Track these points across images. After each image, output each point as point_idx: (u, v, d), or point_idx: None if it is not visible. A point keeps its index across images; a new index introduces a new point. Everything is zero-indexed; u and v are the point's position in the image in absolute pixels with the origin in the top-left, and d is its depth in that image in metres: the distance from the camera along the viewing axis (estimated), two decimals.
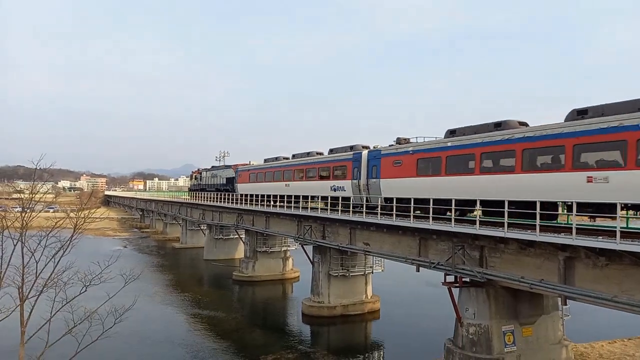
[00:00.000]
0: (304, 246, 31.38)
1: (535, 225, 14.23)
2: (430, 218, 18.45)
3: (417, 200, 19.90)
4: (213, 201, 48.78)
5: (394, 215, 20.68)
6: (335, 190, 28.52)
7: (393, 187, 23.10)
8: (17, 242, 13.14)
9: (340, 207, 25.47)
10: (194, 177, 68.36)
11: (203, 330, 27.37)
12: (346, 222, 25.53)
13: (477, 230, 16.31)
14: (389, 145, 24.66)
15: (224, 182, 52.47)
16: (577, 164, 14.50)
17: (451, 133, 20.48)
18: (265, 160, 42.23)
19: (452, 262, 18.07)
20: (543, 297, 18.18)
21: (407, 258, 21.00)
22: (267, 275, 41.83)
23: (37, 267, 13.03)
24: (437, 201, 18.70)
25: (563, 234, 13.96)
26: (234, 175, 48.65)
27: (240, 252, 50.08)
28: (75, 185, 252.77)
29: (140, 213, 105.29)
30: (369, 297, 31.28)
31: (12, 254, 13.01)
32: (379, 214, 21.90)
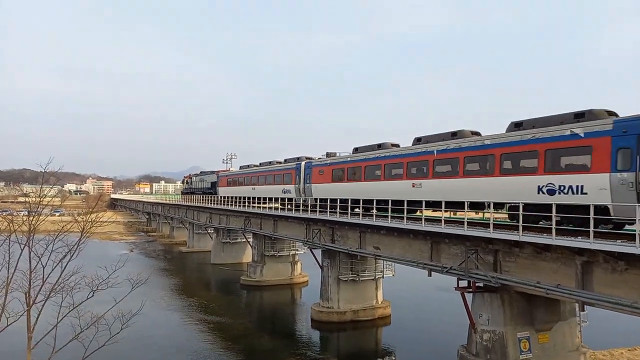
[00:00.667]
0: (313, 250, 31.38)
1: (551, 228, 14.17)
2: (442, 221, 18.45)
3: (334, 200, 26.86)
4: (197, 202, 55.64)
5: (405, 219, 20.64)
6: (285, 192, 36.53)
7: (319, 190, 31.39)
8: (24, 247, 13.28)
9: (278, 205, 35.75)
10: (185, 181, 77.17)
11: (210, 336, 27.47)
12: (356, 226, 25.50)
13: (490, 233, 16.22)
14: (318, 158, 34.04)
15: (209, 186, 59.93)
16: (409, 175, 22.66)
17: (355, 150, 28.63)
18: (241, 167, 51.37)
19: (465, 266, 17.96)
20: (560, 302, 17.99)
21: (418, 262, 20.92)
22: (275, 280, 41.88)
23: (44, 271, 13.17)
24: (344, 200, 25.77)
25: (580, 237, 13.82)
26: (216, 180, 56.42)
27: (248, 256, 50.21)
28: (81, 188, 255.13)
29: (147, 216, 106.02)
30: (380, 302, 31.19)
31: (19, 259, 13.16)
32: (389, 217, 21.86)
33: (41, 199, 14.74)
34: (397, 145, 25.72)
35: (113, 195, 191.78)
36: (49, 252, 13.51)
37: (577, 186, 15.22)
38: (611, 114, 15.83)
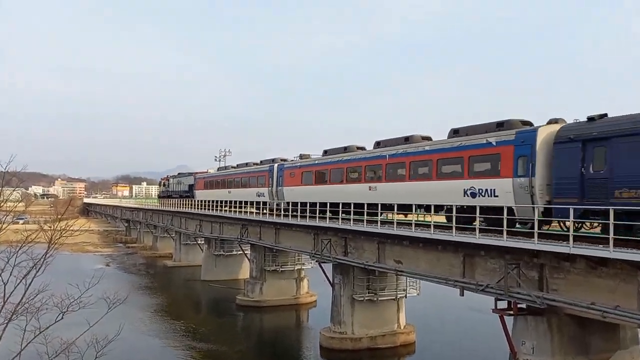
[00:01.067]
0: (322, 264, 31.39)
1: (608, 238, 14.07)
2: (477, 230, 18.41)
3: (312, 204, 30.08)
4: (184, 207, 58.29)
5: (432, 227, 20.63)
6: (259, 196, 41.24)
7: (290, 193, 36.06)
8: None
9: (254, 210, 41.33)
10: (162, 183, 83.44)
11: None
12: (373, 235, 25.49)
13: (535, 244, 16.14)
14: (290, 160, 39.38)
15: (187, 188, 64.53)
16: (366, 178, 27.82)
17: (325, 152, 34.01)
18: (218, 169, 57.10)
19: (505, 284, 17.88)
20: (619, 327, 17.84)
21: (448, 279, 20.92)
22: (278, 300, 41.95)
23: (5, 290, 13.25)
24: (322, 204, 29.31)
25: None
26: (194, 182, 61.10)
27: (245, 271, 50.34)
28: (48, 191, 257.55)
29: (126, 224, 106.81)
30: (402, 327, 31.13)
31: None
32: (413, 225, 21.84)
33: (1, 204, 14.86)
34: (363, 148, 31.00)
35: (86, 200, 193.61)
36: (11, 267, 13.59)
37: (491, 189, 19.82)
38: (525, 123, 20.31)
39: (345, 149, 31.70)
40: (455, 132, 23.27)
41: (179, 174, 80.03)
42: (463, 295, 20.41)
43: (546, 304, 16.74)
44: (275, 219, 35.55)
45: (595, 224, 17.62)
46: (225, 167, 55.17)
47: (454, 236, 19.39)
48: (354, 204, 26.38)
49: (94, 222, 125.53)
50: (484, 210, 19.30)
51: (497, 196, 19.42)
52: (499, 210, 18.31)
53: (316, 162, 34.08)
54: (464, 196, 20.84)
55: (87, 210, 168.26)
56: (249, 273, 44.35)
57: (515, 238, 17.47)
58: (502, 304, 18.33)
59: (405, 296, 31.08)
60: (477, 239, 18.30)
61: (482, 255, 19.64)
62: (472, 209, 19.73)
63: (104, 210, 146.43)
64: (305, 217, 30.57)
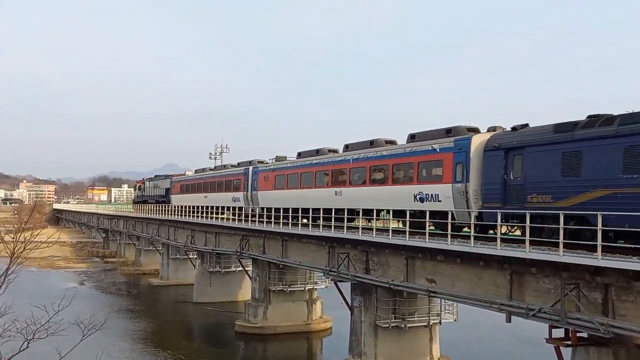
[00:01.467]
0: (339, 283, 31.36)
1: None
2: (527, 243, 18.25)
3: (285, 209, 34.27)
4: (163, 215, 61.27)
5: (472, 239, 20.49)
6: (235, 201, 45.10)
7: (264, 198, 40.91)
8: None
9: (230, 217, 44.54)
10: (137, 187, 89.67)
11: None
12: (400, 249, 25.44)
13: (598, 260, 15.94)
14: (264, 163, 43.90)
15: (163, 192, 69.76)
16: (332, 183, 32.91)
17: (299, 155, 39.37)
18: (196, 171, 62.42)
19: (561, 308, 17.72)
20: None
21: (491, 302, 20.79)
22: (285, 326, 41.95)
23: None
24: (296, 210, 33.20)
25: None
26: (170, 186, 66.42)
27: (245, 291, 50.52)
28: (12, 195, 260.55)
29: (103, 235, 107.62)
30: (436, 359, 30.99)
31: None
32: (448, 236, 21.72)
33: None
34: (335, 151, 35.65)
35: (56, 205, 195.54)
36: None
37: (435, 194, 24.47)
38: (471, 130, 24.58)
39: (318, 152, 36.48)
40: (412, 137, 28.01)
41: (155, 176, 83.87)
42: (510, 321, 20.23)
43: (613, 333, 16.53)
44: (282, 229, 35.57)
45: (515, 227, 22.43)
46: (203, 169, 59.30)
47: (499, 250, 19.25)
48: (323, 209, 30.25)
49: (66, 232, 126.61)
50: (432, 214, 23.40)
51: (440, 201, 24.13)
52: (443, 214, 22.26)
53: (289, 165, 39.11)
54: (415, 201, 25.51)
55: (58, 218, 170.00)
56: (251, 294, 44.42)
57: (575, 252, 17.28)
58: (558, 333, 18.22)
59: (440, 322, 31.01)
60: (527, 253, 18.13)
61: (534, 273, 19.43)
62: (422, 214, 23.76)
63: (78, 218, 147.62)
64: (318, 226, 30.56)
